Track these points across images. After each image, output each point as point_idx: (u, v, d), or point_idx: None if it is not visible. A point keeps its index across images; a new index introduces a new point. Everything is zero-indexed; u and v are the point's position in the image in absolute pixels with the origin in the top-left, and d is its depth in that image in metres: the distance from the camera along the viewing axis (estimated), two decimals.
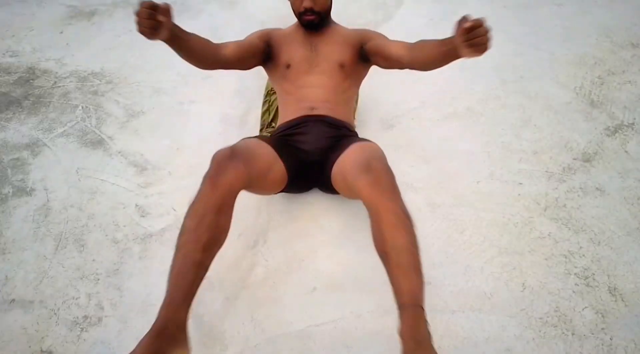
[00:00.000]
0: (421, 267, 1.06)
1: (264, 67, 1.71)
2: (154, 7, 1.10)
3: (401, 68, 1.51)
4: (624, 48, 2.13)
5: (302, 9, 1.57)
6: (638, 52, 2.11)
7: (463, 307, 1.29)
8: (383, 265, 1.08)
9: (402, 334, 0.97)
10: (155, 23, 1.12)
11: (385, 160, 1.26)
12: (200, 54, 1.41)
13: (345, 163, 1.32)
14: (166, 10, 1.13)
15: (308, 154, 1.48)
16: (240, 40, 1.60)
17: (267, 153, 1.36)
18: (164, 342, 0.96)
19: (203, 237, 1.08)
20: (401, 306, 1.01)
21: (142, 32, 1.13)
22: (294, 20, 1.64)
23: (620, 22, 2.28)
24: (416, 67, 1.43)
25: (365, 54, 1.62)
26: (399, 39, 1.51)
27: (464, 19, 1.08)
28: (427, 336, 0.97)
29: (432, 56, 1.34)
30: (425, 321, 0.99)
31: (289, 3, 1.62)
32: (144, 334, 0.97)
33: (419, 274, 1.04)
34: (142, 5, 1.09)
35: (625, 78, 1.98)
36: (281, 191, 1.49)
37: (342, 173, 1.33)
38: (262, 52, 1.62)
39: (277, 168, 1.38)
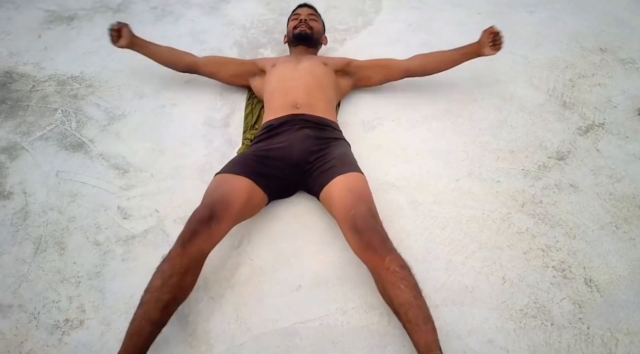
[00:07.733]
0: (429, 313, 1.14)
1: (252, 83, 1.90)
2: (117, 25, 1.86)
3: (401, 76, 1.88)
4: (593, 52, 2.23)
5: (297, 22, 1.89)
6: (606, 57, 2.20)
7: (446, 301, 1.31)
8: (396, 316, 1.19)
9: None
10: (115, 32, 1.86)
11: (371, 207, 1.33)
12: (166, 56, 1.93)
13: (332, 204, 1.39)
14: (123, 26, 1.86)
15: (290, 166, 1.50)
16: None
17: (244, 187, 1.40)
18: None
19: (164, 297, 1.15)
20: None
21: (111, 41, 1.89)
22: (279, 25, 1.71)
23: (590, 28, 2.38)
24: (429, 70, 1.86)
25: (352, 71, 1.86)
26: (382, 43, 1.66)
27: (491, 27, 1.74)
28: None
29: (450, 59, 1.83)
30: None
31: (270, 9, 1.69)
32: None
33: (428, 322, 1.13)
34: (110, 26, 1.87)
35: (595, 81, 2.07)
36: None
37: (330, 210, 1.43)
38: (245, 69, 1.89)
39: (256, 195, 1.43)
